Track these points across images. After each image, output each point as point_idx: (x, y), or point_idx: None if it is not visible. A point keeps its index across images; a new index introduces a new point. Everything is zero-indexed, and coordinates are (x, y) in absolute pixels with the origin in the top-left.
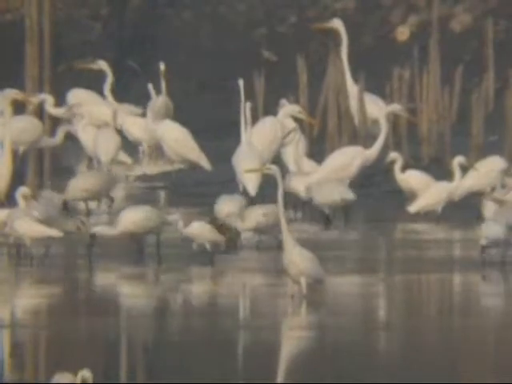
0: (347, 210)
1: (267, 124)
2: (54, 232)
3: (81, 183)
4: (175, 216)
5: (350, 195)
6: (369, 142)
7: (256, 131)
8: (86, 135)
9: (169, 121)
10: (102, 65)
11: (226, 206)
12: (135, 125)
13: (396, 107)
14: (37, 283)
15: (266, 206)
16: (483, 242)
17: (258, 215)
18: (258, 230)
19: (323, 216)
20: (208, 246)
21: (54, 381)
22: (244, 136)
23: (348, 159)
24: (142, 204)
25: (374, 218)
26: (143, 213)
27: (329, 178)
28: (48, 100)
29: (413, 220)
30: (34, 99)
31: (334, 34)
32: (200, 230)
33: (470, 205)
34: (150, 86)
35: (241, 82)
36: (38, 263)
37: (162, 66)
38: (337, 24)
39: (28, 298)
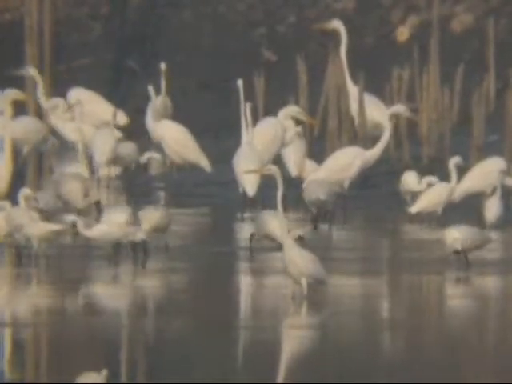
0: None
1: (267, 124)
2: (57, 226)
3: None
4: (72, 217)
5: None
6: (369, 142)
7: (256, 131)
8: (74, 135)
9: (168, 121)
10: (32, 71)
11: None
12: (69, 127)
13: (400, 108)
14: (38, 283)
15: (160, 208)
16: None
17: (152, 218)
18: (152, 232)
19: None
20: (111, 249)
21: (79, 381)
22: (245, 136)
23: (349, 159)
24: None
25: (374, 218)
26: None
27: (329, 177)
28: (60, 105)
29: (414, 221)
30: (49, 104)
31: (333, 35)
32: (104, 232)
33: (470, 205)
34: (150, 88)
35: (240, 83)
36: (39, 263)
37: (163, 66)
38: (337, 24)
39: (29, 297)
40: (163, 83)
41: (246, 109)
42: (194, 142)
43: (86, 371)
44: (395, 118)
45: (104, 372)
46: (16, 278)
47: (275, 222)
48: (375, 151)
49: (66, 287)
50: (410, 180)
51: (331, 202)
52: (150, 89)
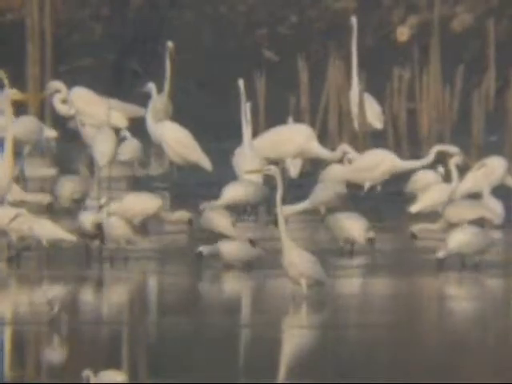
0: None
1: (284, 127)
2: (68, 236)
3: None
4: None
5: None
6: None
7: (270, 132)
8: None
9: (169, 121)
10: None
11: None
12: None
13: (452, 149)
14: (39, 282)
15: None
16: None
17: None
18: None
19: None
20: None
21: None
22: (245, 136)
23: (375, 161)
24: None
25: (374, 218)
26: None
27: (354, 177)
28: (62, 92)
29: (414, 221)
30: (49, 87)
31: (334, 35)
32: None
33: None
34: (152, 85)
35: (241, 83)
36: (42, 263)
37: (170, 44)
38: (353, 22)
39: (29, 296)
40: (168, 65)
41: (246, 109)
42: (195, 142)
43: (89, 370)
44: (393, 116)
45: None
46: (15, 278)
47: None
48: (404, 164)
49: (67, 286)
50: (431, 178)
51: (337, 203)
52: (152, 86)
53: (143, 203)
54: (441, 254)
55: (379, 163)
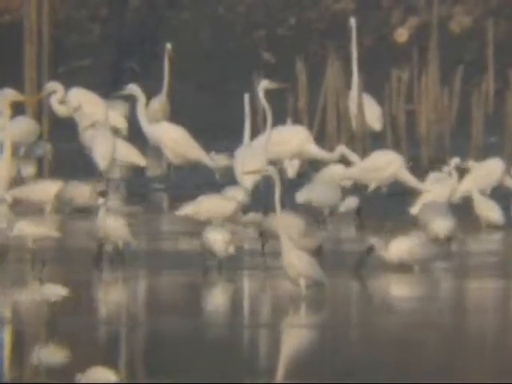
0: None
1: (287, 129)
2: (52, 232)
3: None
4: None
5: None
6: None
7: (275, 132)
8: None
9: (165, 123)
10: None
11: None
12: None
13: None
14: (39, 282)
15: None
16: None
17: None
18: None
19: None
20: (32, 245)
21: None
22: (246, 137)
23: (384, 162)
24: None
25: (374, 219)
26: None
27: (361, 177)
28: (59, 93)
29: (415, 222)
30: (47, 88)
31: (333, 37)
32: (27, 229)
33: (469, 206)
34: (133, 87)
35: (261, 89)
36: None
37: (168, 46)
38: (352, 23)
39: (29, 297)
40: (167, 67)
41: (263, 108)
42: (193, 140)
43: (80, 372)
44: (392, 117)
45: (113, 371)
46: (14, 278)
47: None
48: (408, 178)
49: (66, 287)
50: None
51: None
52: (133, 88)
53: (219, 205)
54: (388, 255)
55: (388, 165)
